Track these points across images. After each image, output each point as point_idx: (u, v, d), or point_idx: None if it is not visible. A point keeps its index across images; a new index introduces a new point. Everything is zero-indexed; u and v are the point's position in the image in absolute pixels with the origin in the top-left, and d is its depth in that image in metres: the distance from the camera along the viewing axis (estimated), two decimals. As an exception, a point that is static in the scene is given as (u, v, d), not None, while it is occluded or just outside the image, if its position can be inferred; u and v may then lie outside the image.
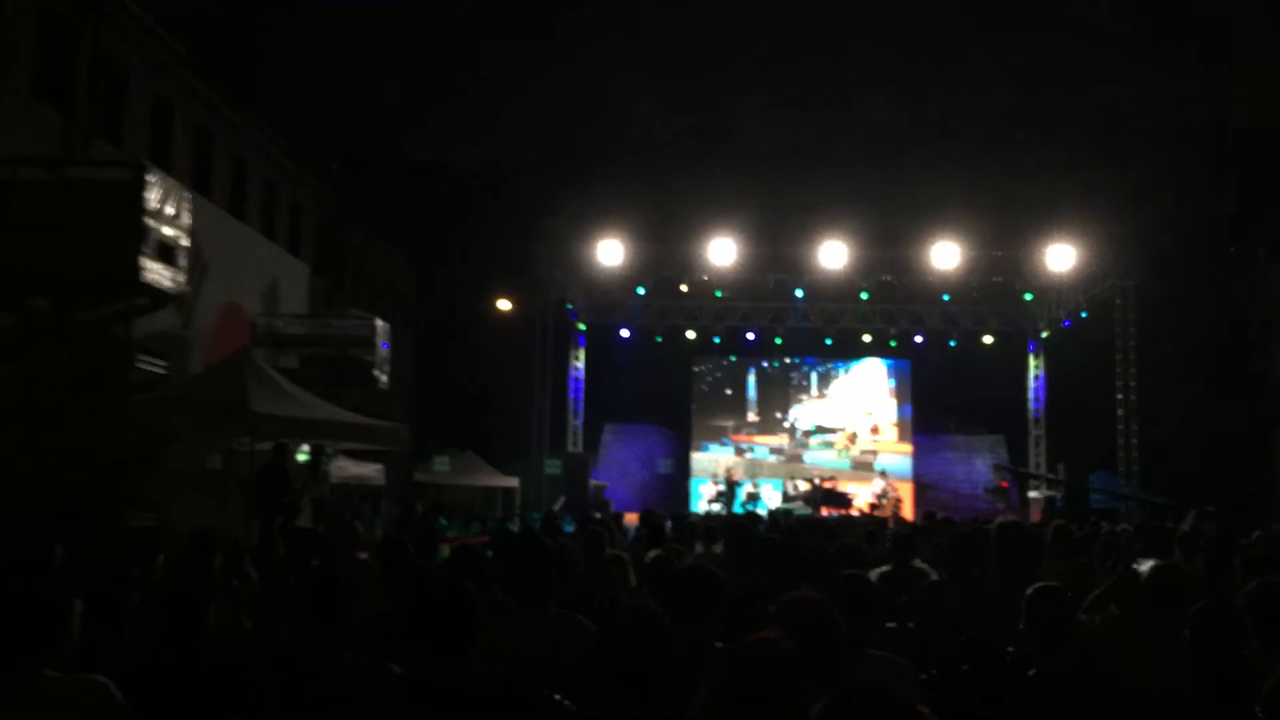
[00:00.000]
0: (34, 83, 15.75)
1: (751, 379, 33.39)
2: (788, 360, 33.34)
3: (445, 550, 9.47)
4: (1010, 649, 5.33)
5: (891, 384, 33.29)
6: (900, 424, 33.13)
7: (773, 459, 32.57)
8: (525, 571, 5.00)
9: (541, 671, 3.89)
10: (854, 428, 32.92)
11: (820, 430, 32.93)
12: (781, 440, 32.88)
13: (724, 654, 2.68)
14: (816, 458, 32.32)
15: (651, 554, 9.86)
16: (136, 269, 12.49)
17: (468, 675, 3.49)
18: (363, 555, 8.65)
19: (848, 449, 32.63)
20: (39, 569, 5.99)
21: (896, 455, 32.55)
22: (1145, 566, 6.19)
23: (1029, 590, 4.63)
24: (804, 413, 33.17)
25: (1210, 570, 6.81)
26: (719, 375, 33.65)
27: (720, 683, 2.65)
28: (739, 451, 32.72)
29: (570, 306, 31.84)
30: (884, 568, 8.11)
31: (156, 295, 13.46)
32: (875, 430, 32.96)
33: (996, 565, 6.20)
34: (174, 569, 6.57)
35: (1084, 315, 30.21)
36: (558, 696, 3.46)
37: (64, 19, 16.28)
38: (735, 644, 2.76)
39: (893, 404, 33.31)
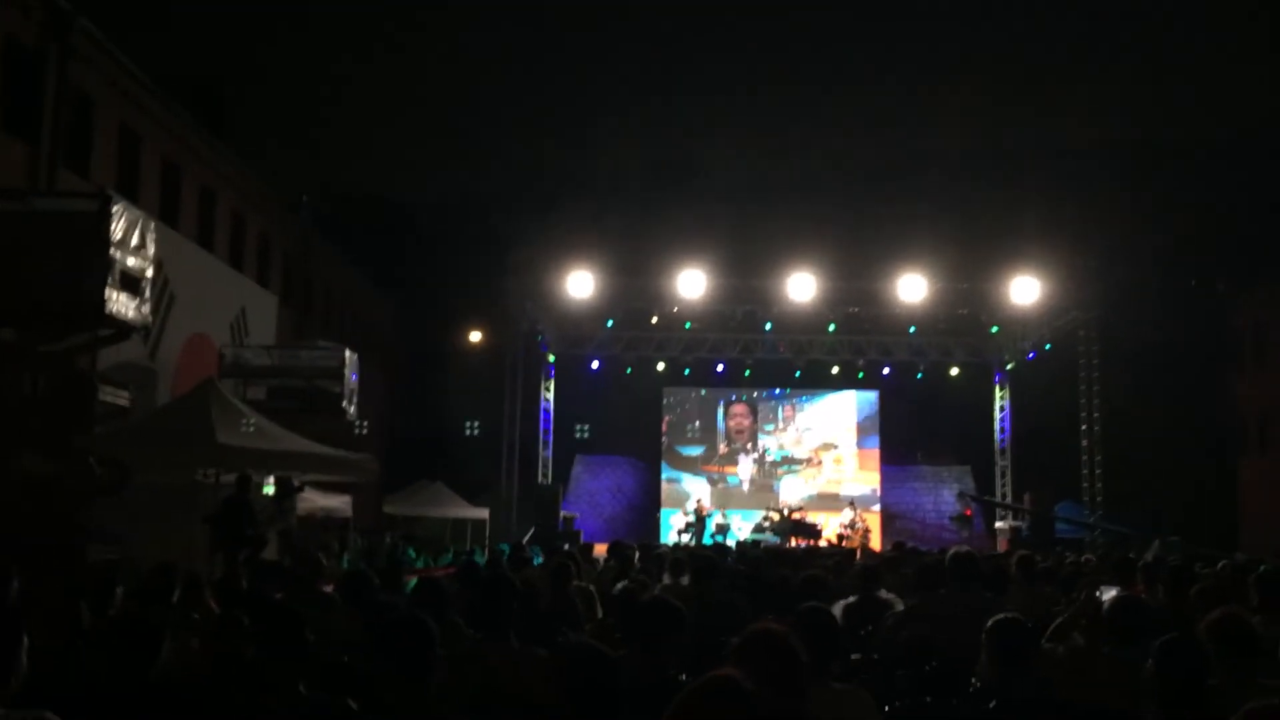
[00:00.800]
0: (0, 113, 15.66)
1: (720, 410, 33.43)
2: (756, 393, 33.39)
3: (412, 582, 9.40)
4: (974, 679, 5.35)
5: (859, 416, 33.39)
6: (867, 454, 33.22)
7: (744, 489, 32.57)
8: (486, 604, 4.98)
9: (502, 703, 3.87)
10: (820, 458, 32.98)
11: (788, 461, 32.98)
12: (751, 471, 32.90)
13: (681, 692, 2.67)
14: (786, 487, 32.34)
15: (619, 585, 9.86)
16: (101, 300, 12.42)
17: (425, 711, 3.47)
18: (327, 588, 8.59)
19: (814, 476, 32.68)
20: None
21: (864, 485, 32.62)
22: (1108, 596, 6.24)
23: (989, 621, 4.65)
24: (772, 443, 33.21)
25: (1171, 600, 6.87)
26: (688, 406, 33.66)
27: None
28: (712, 482, 32.70)
29: (541, 338, 31.82)
30: (849, 599, 8.13)
31: (121, 326, 13.37)
32: (838, 461, 33.04)
33: (954, 593, 6.23)
34: (133, 602, 6.49)
35: (1048, 347, 30.49)
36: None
37: (30, 49, 16.21)
38: (692, 681, 2.75)
39: (858, 435, 33.39)
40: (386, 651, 3.65)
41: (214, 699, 4.09)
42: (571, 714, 3.20)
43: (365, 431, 21.39)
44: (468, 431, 31.81)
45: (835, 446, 33.16)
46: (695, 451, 33.32)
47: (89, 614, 5.10)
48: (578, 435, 33.74)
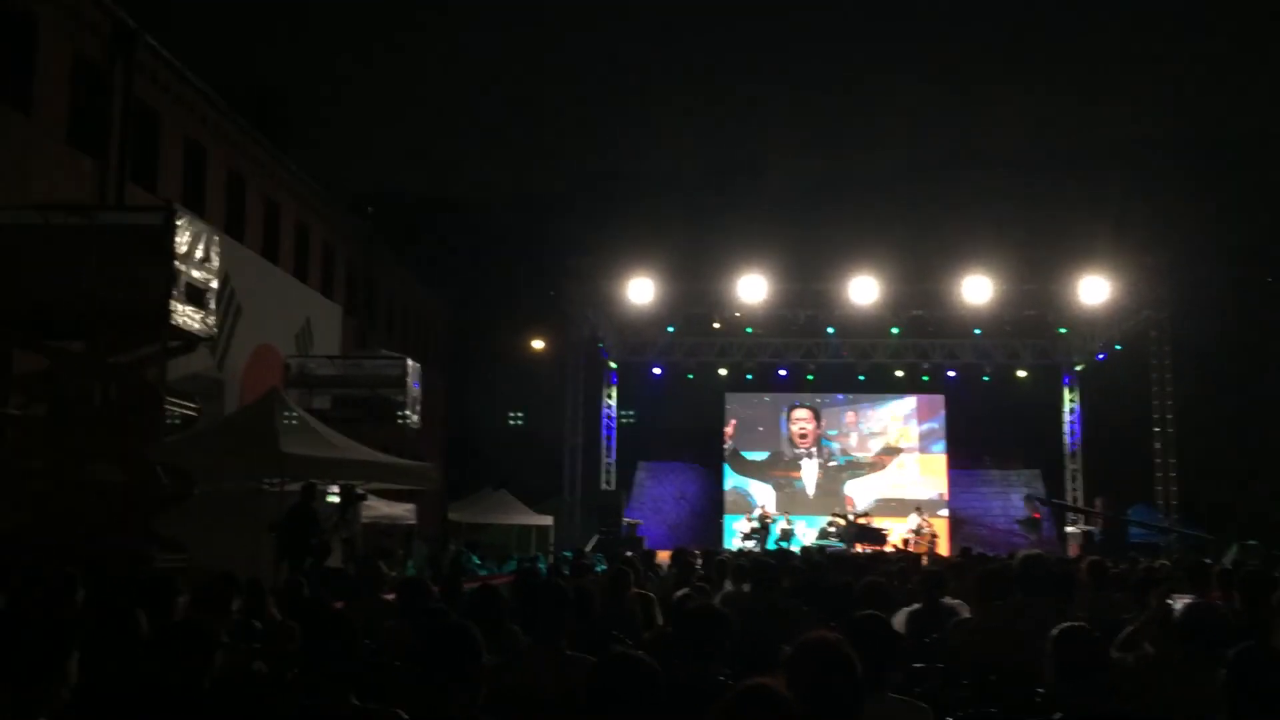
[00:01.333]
0: (67, 129, 16.00)
1: (783, 415, 33.19)
2: (819, 398, 33.11)
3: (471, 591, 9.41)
4: (1039, 689, 5.20)
5: (925, 420, 32.98)
6: (933, 459, 32.80)
7: (809, 494, 32.29)
8: (539, 611, 4.94)
9: (551, 711, 3.82)
10: (886, 463, 32.63)
11: (853, 466, 32.65)
12: (816, 476, 32.62)
13: (720, 699, 2.60)
14: (853, 492, 32.02)
15: (679, 593, 9.78)
16: (167, 312, 12.63)
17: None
18: (389, 595, 8.62)
19: (880, 481, 32.30)
20: (57, 611, 5.99)
21: (931, 490, 32.19)
22: (1180, 603, 6.04)
23: (1054, 630, 4.51)
24: (837, 448, 32.91)
25: (1247, 607, 6.64)
26: (752, 411, 33.46)
27: None
28: (777, 487, 32.45)
29: (602, 345, 31.85)
30: (914, 606, 7.98)
31: (187, 337, 13.59)
32: (903, 466, 32.64)
33: (1020, 601, 6.06)
34: (194, 610, 6.54)
35: (1118, 348, 29.91)
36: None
37: (96, 65, 16.54)
38: (731, 691, 2.68)
39: (924, 439, 32.99)
40: (433, 659, 3.63)
41: (265, 708, 4.08)
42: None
43: (418, 430, 21.50)
44: (530, 438, 31.89)
45: (900, 450, 32.77)
46: (760, 456, 33.10)
47: (147, 622, 5.12)
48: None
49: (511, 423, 32.13)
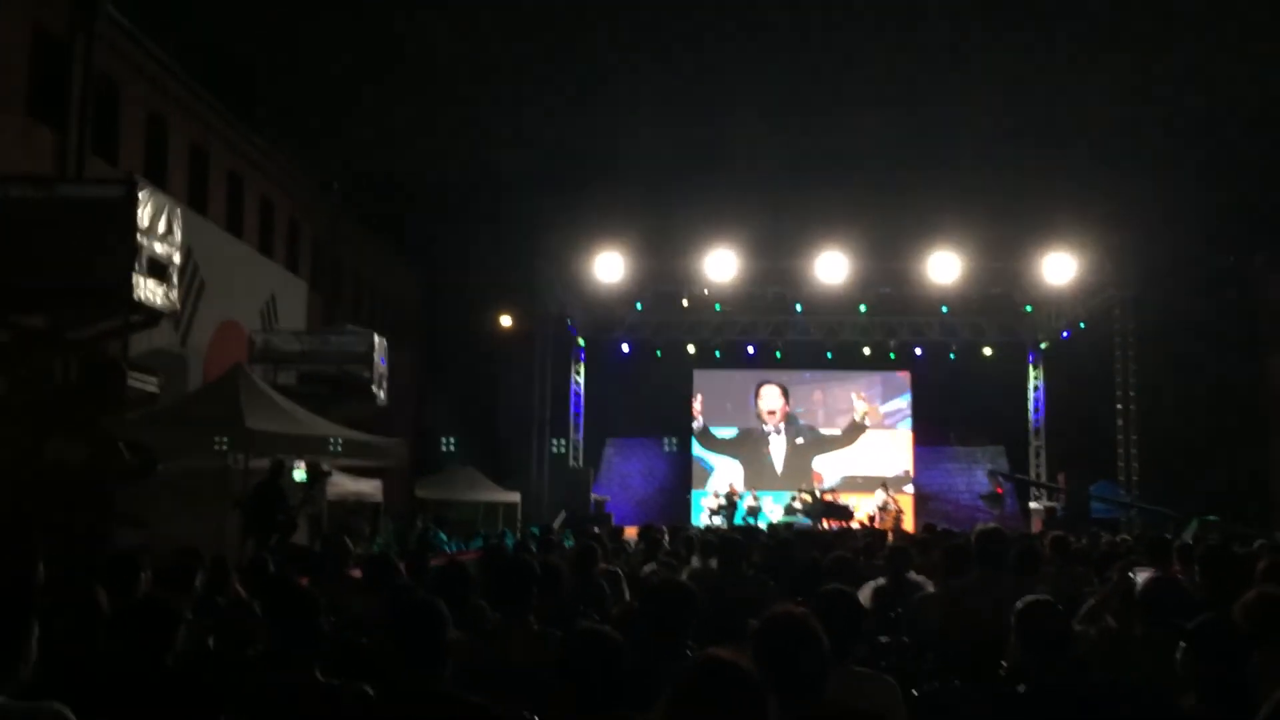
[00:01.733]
0: (27, 100, 15.74)
1: (751, 392, 33.26)
2: (786, 375, 33.19)
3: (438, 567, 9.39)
4: (1004, 663, 5.25)
5: (891, 397, 33.17)
6: (899, 435, 33.02)
7: (777, 470, 32.40)
8: (506, 587, 4.94)
9: (519, 686, 3.81)
10: (853, 440, 32.81)
11: (821, 442, 32.78)
12: (784, 452, 32.75)
13: (678, 676, 2.60)
14: (820, 468, 32.18)
15: (646, 568, 9.81)
16: (128, 286, 12.44)
17: (439, 695, 3.41)
18: (355, 572, 8.59)
19: (847, 458, 32.46)
20: (16, 588, 5.91)
21: (897, 467, 32.40)
22: (1142, 577, 6.11)
23: (1019, 604, 4.54)
24: (804, 424, 33.03)
25: (1208, 581, 6.72)
26: (720, 388, 33.51)
27: (673, 704, 2.57)
28: (744, 463, 32.51)
29: (570, 321, 31.79)
30: (879, 581, 8.03)
31: (149, 312, 13.39)
32: (870, 442, 32.82)
33: (983, 575, 6.11)
34: (156, 587, 6.48)
35: (1083, 326, 30.17)
36: (530, 716, 3.38)
37: (56, 36, 16.27)
38: (689, 660, 2.68)
39: (890, 416, 33.20)
40: (400, 634, 3.61)
41: (229, 685, 4.05)
42: (573, 695, 3.14)
43: (386, 406, 21.42)
44: (498, 415, 31.80)
45: (866, 428, 32.96)
46: (729, 433, 33.20)
47: (108, 599, 5.07)
48: (608, 418, 33.57)
49: (479, 399, 31.97)
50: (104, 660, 4.24)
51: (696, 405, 33.19)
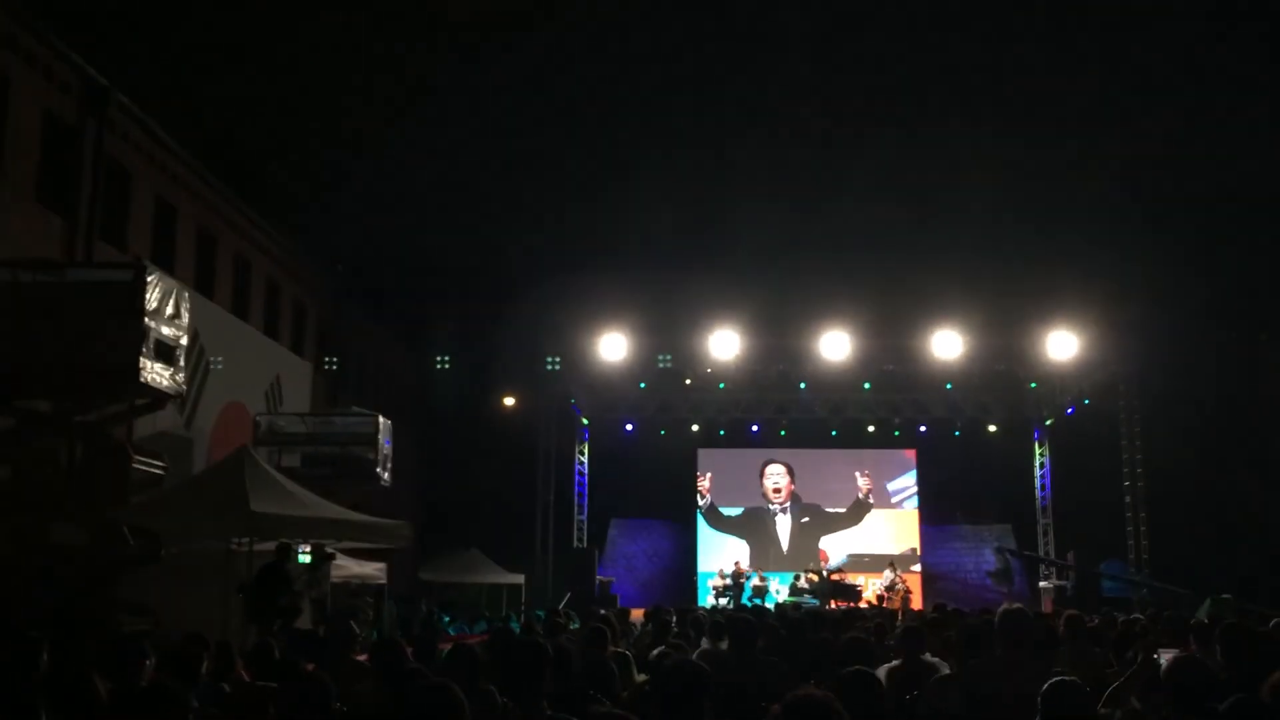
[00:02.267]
0: (37, 186, 15.89)
1: (758, 471, 33.09)
2: (792, 453, 33.07)
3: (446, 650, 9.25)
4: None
5: (896, 475, 33.01)
6: (905, 514, 32.80)
7: (784, 549, 32.13)
8: (517, 671, 4.84)
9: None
10: (859, 519, 32.58)
11: (826, 521, 32.54)
12: (790, 531, 32.51)
13: None
14: (826, 547, 31.90)
15: (655, 651, 9.65)
16: (135, 369, 12.48)
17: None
18: (361, 657, 8.46)
19: (853, 537, 32.19)
20: (21, 677, 5.83)
21: (903, 545, 32.13)
22: (1165, 658, 6.01)
23: (1044, 686, 4.45)
24: (810, 503, 32.81)
25: (1229, 660, 6.61)
26: (727, 466, 33.36)
27: None
28: (754, 543, 32.21)
29: (573, 401, 31.76)
30: (893, 662, 7.90)
31: (155, 395, 13.43)
32: (876, 521, 32.58)
33: (1004, 656, 6.00)
34: (162, 673, 6.38)
35: (1087, 402, 30.11)
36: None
37: (66, 122, 16.48)
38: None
39: (896, 495, 33.01)
40: (414, 721, 3.54)
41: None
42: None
43: (390, 488, 21.35)
44: (501, 496, 31.65)
45: (871, 505, 32.74)
46: (734, 512, 32.99)
47: (111, 686, 4.99)
48: (612, 498, 33.40)
49: (483, 481, 31.84)
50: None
51: (705, 483, 33.02)
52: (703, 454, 33.09)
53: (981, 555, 32.96)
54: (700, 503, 32.91)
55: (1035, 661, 5.94)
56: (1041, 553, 31.57)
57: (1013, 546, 32.15)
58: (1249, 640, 6.72)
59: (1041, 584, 30.07)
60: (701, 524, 32.80)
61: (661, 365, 28.90)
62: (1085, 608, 17.05)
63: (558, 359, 28.97)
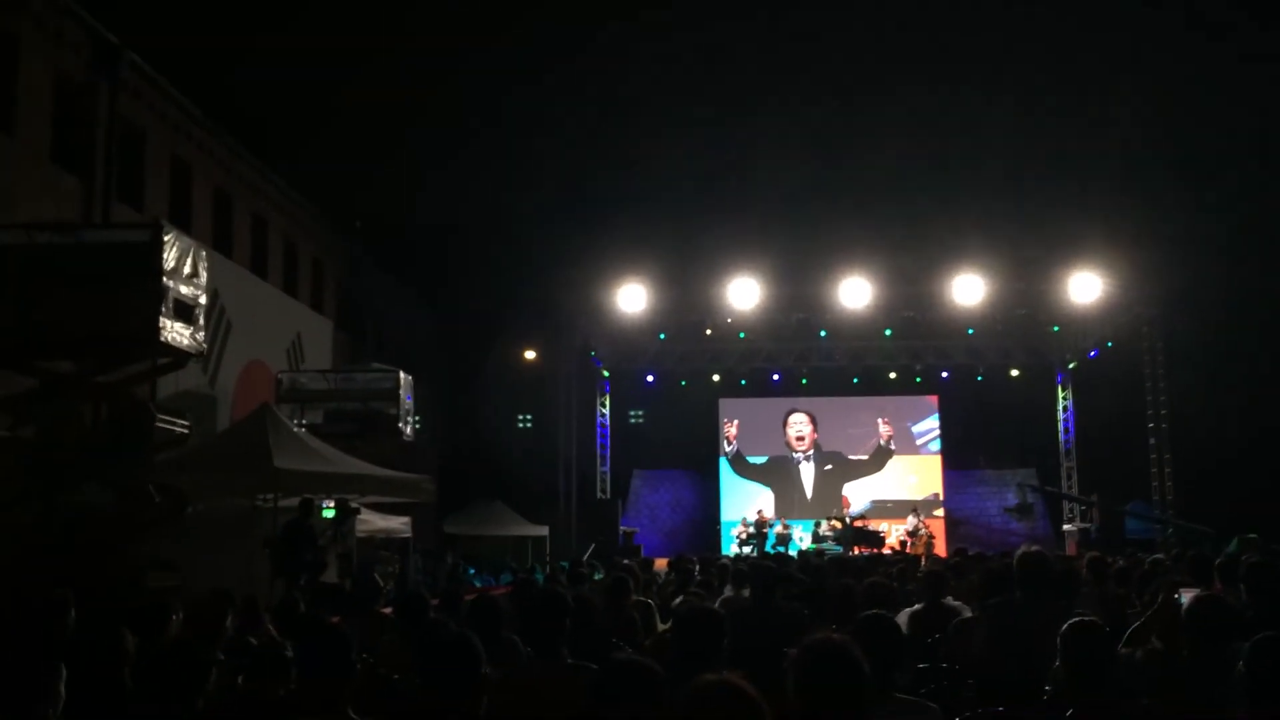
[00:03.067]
0: (52, 148, 15.88)
1: (781, 419, 33.06)
2: (815, 402, 33.03)
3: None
4: (1047, 688, 5.13)
5: (919, 420, 32.93)
6: (928, 460, 32.75)
7: (808, 497, 32.18)
8: (538, 621, 4.86)
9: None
10: (882, 465, 32.56)
11: (849, 467, 32.54)
12: (813, 479, 32.54)
13: (681, 695, 2.59)
14: (850, 494, 31.94)
15: (677, 599, 9.70)
16: (155, 329, 12.48)
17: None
18: (386, 610, 8.53)
19: (876, 483, 32.20)
20: (46, 633, 5.89)
21: (927, 491, 32.12)
22: (1187, 597, 5.97)
23: (1064, 627, 4.43)
24: (832, 450, 32.80)
25: (1254, 599, 6.57)
26: (749, 415, 33.33)
27: None
28: (778, 491, 32.27)
29: (594, 354, 31.75)
30: (915, 606, 7.91)
31: (176, 354, 13.42)
32: (900, 467, 32.55)
33: (1023, 598, 5.98)
34: (187, 630, 6.44)
35: (1110, 345, 29.90)
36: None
37: (80, 84, 16.43)
38: (692, 684, 2.67)
39: (918, 440, 32.94)
40: (433, 671, 3.55)
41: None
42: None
43: (412, 443, 21.44)
44: (525, 449, 31.77)
45: (894, 452, 32.72)
46: (759, 460, 33.01)
47: (140, 643, 5.03)
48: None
49: (505, 434, 31.98)
50: (133, 704, 4.19)
51: (732, 430, 32.99)
52: (727, 403, 33.07)
53: (1005, 500, 32.96)
54: (726, 449, 32.91)
55: (1055, 602, 5.93)
56: (1062, 502, 31.53)
57: (1034, 483, 32.17)
58: (1275, 578, 6.67)
59: (1065, 527, 30.05)
60: (725, 473, 32.84)
61: (680, 319, 28.83)
62: (1110, 550, 17.04)
63: (577, 311, 28.94)
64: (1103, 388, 30.48)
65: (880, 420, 32.80)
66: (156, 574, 11.70)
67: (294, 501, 14.66)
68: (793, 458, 32.81)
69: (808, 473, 32.70)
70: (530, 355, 32.17)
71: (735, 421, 33.01)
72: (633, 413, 34.03)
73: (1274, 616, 5.47)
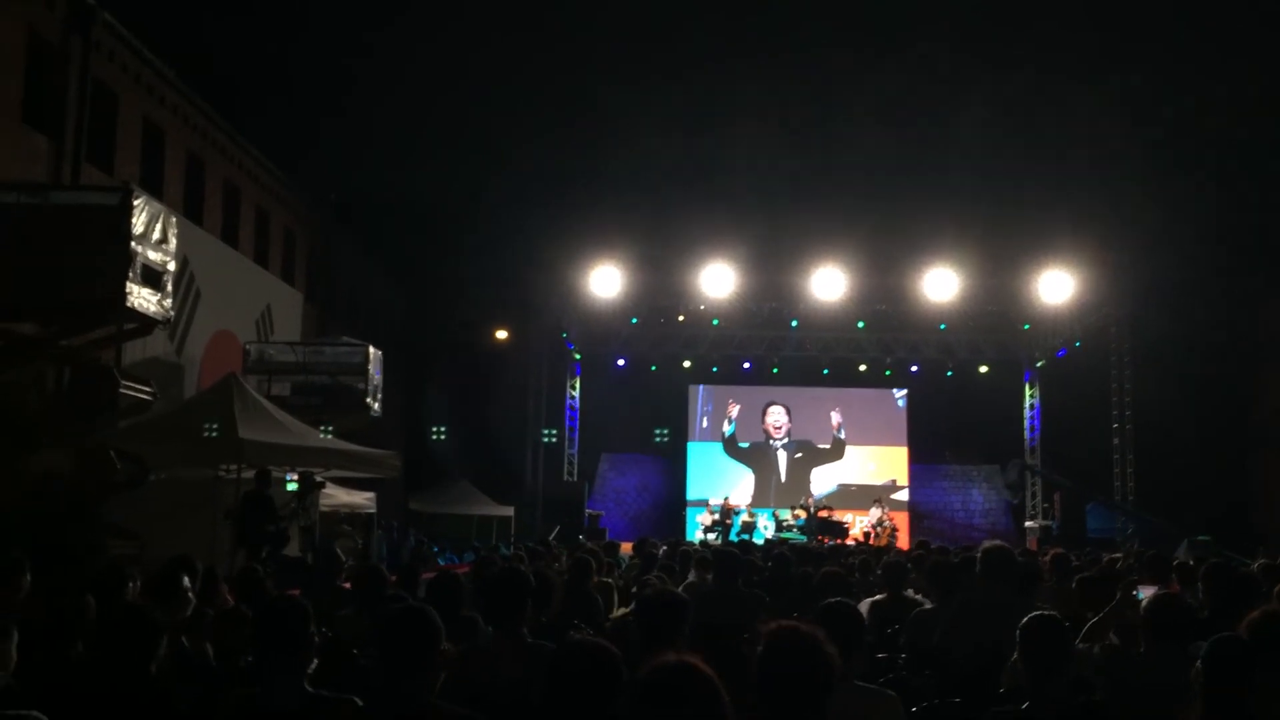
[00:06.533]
0: (23, 108, 15.64)
1: (759, 409, 33.10)
2: (787, 391, 33.12)
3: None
4: (1004, 679, 5.16)
5: (887, 414, 33.08)
6: (894, 453, 32.91)
7: (777, 485, 32.27)
8: (499, 599, 4.84)
9: (510, 697, 3.73)
10: (848, 457, 32.70)
11: (816, 457, 32.66)
12: (783, 469, 32.64)
13: (637, 677, 2.59)
14: (815, 482, 32.06)
15: (641, 582, 9.70)
16: (121, 293, 12.36)
17: (426, 708, 3.32)
18: (347, 584, 8.49)
19: (842, 475, 32.35)
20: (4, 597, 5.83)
21: (891, 484, 32.30)
22: (1145, 595, 6.03)
23: (1024, 620, 4.45)
24: (801, 441, 32.92)
25: (1210, 599, 6.65)
26: (722, 403, 33.37)
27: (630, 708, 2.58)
28: (758, 476, 32.38)
29: (566, 335, 31.69)
30: (876, 596, 7.95)
31: (142, 320, 13.32)
32: (865, 460, 32.71)
33: (983, 592, 6.02)
34: (145, 597, 6.38)
35: (1078, 344, 30.12)
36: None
37: (53, 44, 16.19)
38: (646, 667, 2.67)
39: (885, 433, 33.10)
40: (390, 644, 3.52)
41: (213, 693, 3.96)
42: (563, 709, 3.06)
43: (379, 418, 21.33)
44: (492, 429, 31.68)
45: (862, 445, 32.85)
46: (745, 445, 33.01)
47: (95, 608, 4.98)
48: (603, 433, 33.47)
49: (474, 414, 31.87)
50: (85, 668, 4.14)
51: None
52: (700, 390, 33.08)
53: (969, 495, 33.21)
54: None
55: (1016, 597, 5.96)
56: (1029, 492, 31.82)
57: (1000, 488, 32.52)
58: (1231, 579, 6.76)
59: (1027, 524, 30.32)
60: (693, 459, 32.87)
61: (653, 303, 28.78)
62: (1070, 546, 17.17)
63: (549, 292, 28.86)
64: (1070, 386, 30.70)
65: (832, 411, 32.80)
66: (116, 541, 11.62)
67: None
68: (771, 445, 32.90)
69: (783, 460, 32.81)
70: (502, 335, 32.06)
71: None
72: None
73: (1229, 616, 5.52)
